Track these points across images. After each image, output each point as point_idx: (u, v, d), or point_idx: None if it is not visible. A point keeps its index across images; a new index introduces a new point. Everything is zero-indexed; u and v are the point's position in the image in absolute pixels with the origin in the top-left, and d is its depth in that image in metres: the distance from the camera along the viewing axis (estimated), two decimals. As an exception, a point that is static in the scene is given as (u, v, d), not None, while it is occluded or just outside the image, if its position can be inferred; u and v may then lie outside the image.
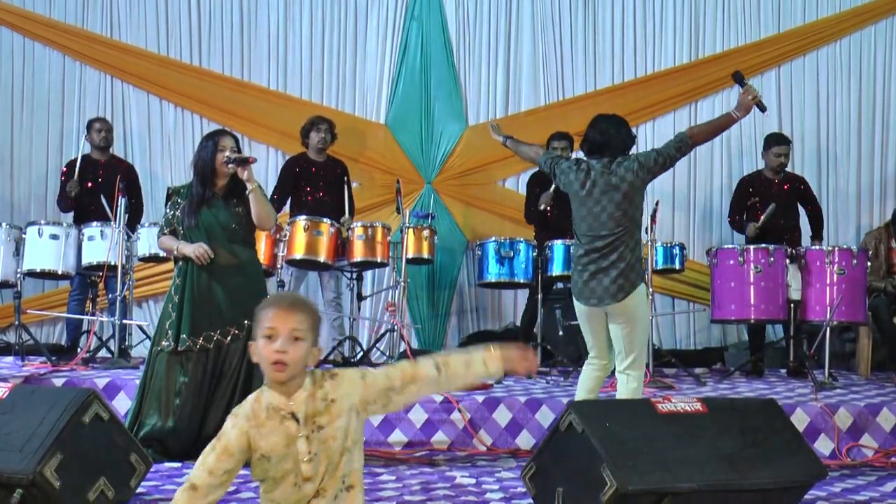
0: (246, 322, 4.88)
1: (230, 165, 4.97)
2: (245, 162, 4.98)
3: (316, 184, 7.18)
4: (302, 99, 8.27)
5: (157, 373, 4.88)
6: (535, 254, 6.75)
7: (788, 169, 7.71)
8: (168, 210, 5.12)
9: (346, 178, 7.30)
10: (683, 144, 4.71)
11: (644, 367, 4.87)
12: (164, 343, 4.90)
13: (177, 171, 8.13)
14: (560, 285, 7.31)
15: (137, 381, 5.10)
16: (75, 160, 7.24)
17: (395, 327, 6.55)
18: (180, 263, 5.01)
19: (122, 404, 5.43)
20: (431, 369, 2.38)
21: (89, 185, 7.16)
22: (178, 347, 4.87)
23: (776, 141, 7.37)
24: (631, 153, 4.81)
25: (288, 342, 2.26)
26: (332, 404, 2.29)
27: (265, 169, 8.11)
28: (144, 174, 7.87)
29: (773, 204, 7.04)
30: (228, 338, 4.92)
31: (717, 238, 8.22)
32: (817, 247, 6.80)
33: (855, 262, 6.51)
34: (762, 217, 7.03)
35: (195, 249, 4.89)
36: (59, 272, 6.64)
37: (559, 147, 7.48)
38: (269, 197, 7.20)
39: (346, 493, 2.30)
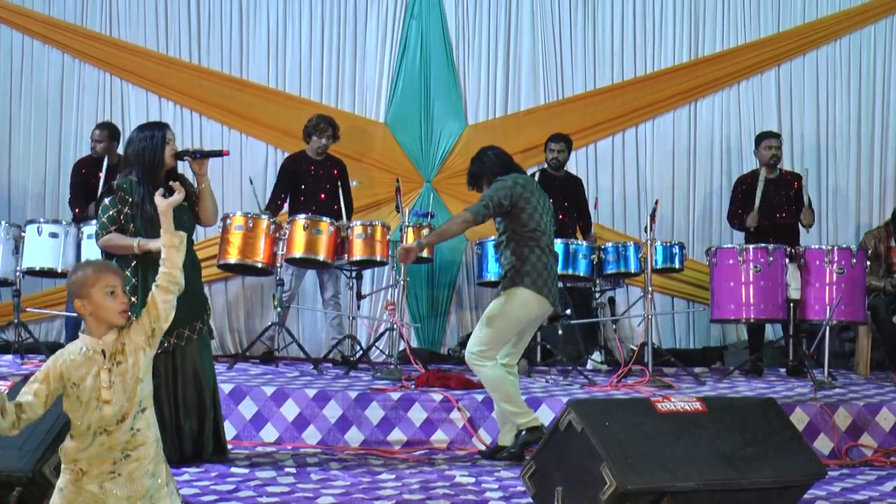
0: (197, 324, 4.70)
1: (189, 158, 4.67)
2: (218, 155, 4.76)
3: (314, 183, 7.18)
4: (301, 97, 8.24)
5: None
6: (534, 253, 6.72)
7: (788, 167, 7.71)
8: (111, 207, 4.66)
9: (344, 179, 7.28)
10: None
11: None
12: None
13: (175, 169, 8.12)
14: (559, 284, 7.30)
15: None
16: (84, 158, 7.39)
17: (395, 326, 6.54)
18: (134, 263, 4.62)
19: (121, 403, 5.42)
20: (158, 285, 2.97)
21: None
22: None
23: (765, 136, 7.47)
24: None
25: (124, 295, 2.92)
26: (127, 345, 2.90)
27: (264, 167, 8.12)
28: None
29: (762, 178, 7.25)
30: (183, 340, 4.66)
31: (717, 237, 8.20)
32: (815, 245, 6.81)
33: (854, 261, 6.51)
34: (755, 202, 7.14)
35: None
36: (59, 270, 6.63)
37: (556, 149, 7.46)
38: (269, 198, 7.24)
39: (142, 413, 2.90)
